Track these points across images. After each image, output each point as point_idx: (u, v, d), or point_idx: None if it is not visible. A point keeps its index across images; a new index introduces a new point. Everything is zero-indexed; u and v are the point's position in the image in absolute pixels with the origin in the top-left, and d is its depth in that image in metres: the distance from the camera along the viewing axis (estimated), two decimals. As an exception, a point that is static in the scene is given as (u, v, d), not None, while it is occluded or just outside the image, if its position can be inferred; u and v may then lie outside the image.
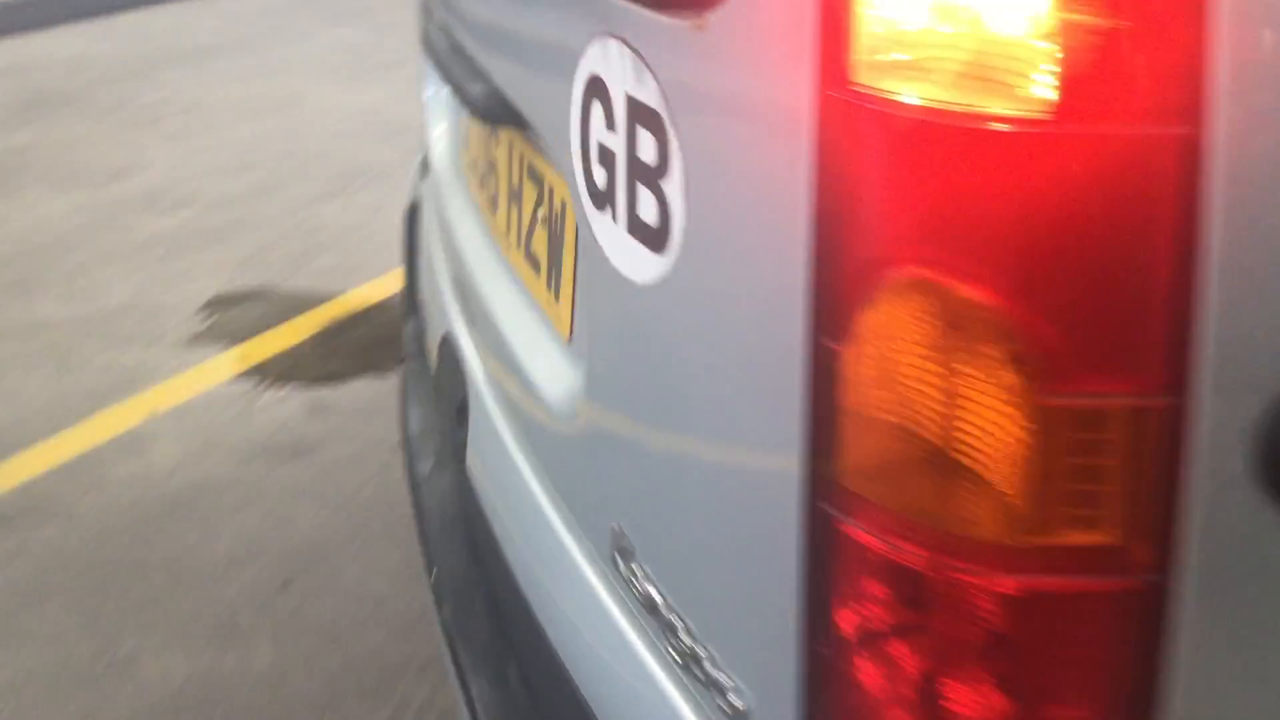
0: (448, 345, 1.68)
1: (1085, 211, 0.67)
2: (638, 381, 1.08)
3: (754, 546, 0.88)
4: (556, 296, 1.34)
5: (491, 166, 1.62)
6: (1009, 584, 0.73)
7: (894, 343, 0.73)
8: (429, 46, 1.80)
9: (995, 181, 0.67)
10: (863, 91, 0.71)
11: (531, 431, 1.36)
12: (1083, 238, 0.67)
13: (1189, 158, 0.65)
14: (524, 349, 1.39)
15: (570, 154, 1.12)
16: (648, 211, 0.96)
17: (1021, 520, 0.71)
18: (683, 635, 0.98)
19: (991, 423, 0.70)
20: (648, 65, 0.94)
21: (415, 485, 1.76)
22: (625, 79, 0.98)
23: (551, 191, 1.36)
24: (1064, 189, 0.66)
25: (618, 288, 1.05)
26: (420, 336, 1.99)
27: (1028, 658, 0.74)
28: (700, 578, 0.98)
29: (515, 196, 1.52)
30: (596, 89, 1.05)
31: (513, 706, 1.30)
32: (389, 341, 3.53)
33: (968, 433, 0.71)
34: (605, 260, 1.07)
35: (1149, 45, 0.65)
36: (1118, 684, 0.74)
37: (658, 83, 0.93)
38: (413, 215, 2.21)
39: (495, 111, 1.44)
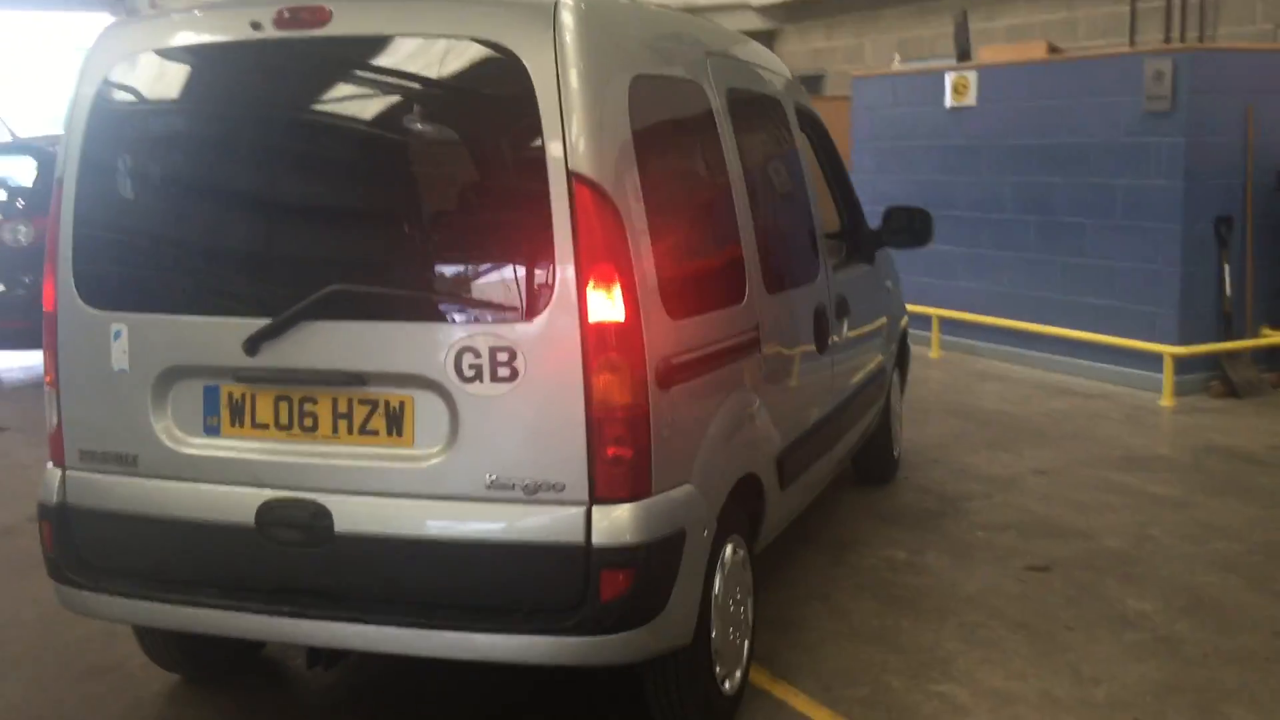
0: (275, 507, 3.55)
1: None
2: (499, 433, 3.41)
3: (568, 436, 3.35)
4: (400, 435, 3.49)
5: (307, 415, 3.57)
6: (634, 416, 3.38)
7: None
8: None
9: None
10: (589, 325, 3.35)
11: (403, 485, 3.48)
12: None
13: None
14: (375, 466, 3.51)
15: (438, 375, 3.40)
16: (503, 373, 3.35)
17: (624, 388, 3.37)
18: (527, 487, 3.38)
19: (621, 342, 3.36)
20: (504, 336, 3.36)
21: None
22: (487, 342, 3.37)
23: (386, 402, 3.50)
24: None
25: (479, 402, 3.39)
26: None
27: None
28: (536, 461, 3.38)
29: (344, 416, 3.54)
30: (466, 348, 3.38)
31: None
32: None
33: (617, 362, 3.36)
34: (469, 396, 3.40)
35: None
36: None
37: (510, 340, 3.36)
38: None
39: (351, 380, 3.49)
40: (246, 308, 3.57)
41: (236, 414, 3.62)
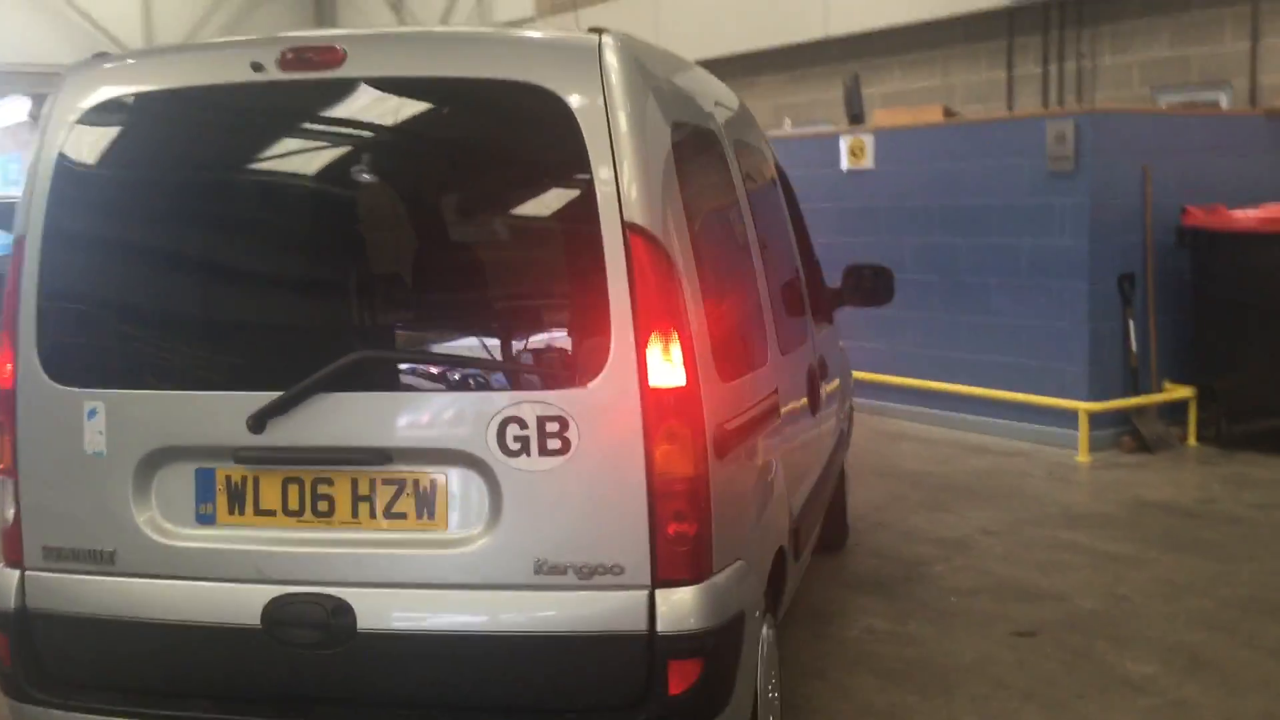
0: (285, 603, 3.12)
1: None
2: (548, 511, 3.04)
3: (628, 513, 3.03)
4: (432, 517, 3.10)
5: (322, 499, 3.15)
6: (696, 488, 3.05)
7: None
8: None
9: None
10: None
11: (437, 574, 3.10)
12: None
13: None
14: (404, 554, 3.11)
15: (478, 450, 3.03)
16: (553, 446, 2.98)
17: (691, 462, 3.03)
18: (581, 570, 3.03)
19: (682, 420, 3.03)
20: (554, 404, 3.00)
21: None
22: (535, 411, 3.00)
23: (415, 481, 3.11)
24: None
25: (525, 478, 3.03)
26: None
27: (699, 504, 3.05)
28: (591, 541, 3.04)
29: (365, 499, 3.13)
30: (510, 418, 3.00)
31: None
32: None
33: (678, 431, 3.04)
34: (514, 471, 3.03)
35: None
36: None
37: (562, 408, 2.99)
38: None
39: (374, 458, 3.10)
40: (248, 380, 3.17)
41: (236, 500, 3.20)
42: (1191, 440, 8.99)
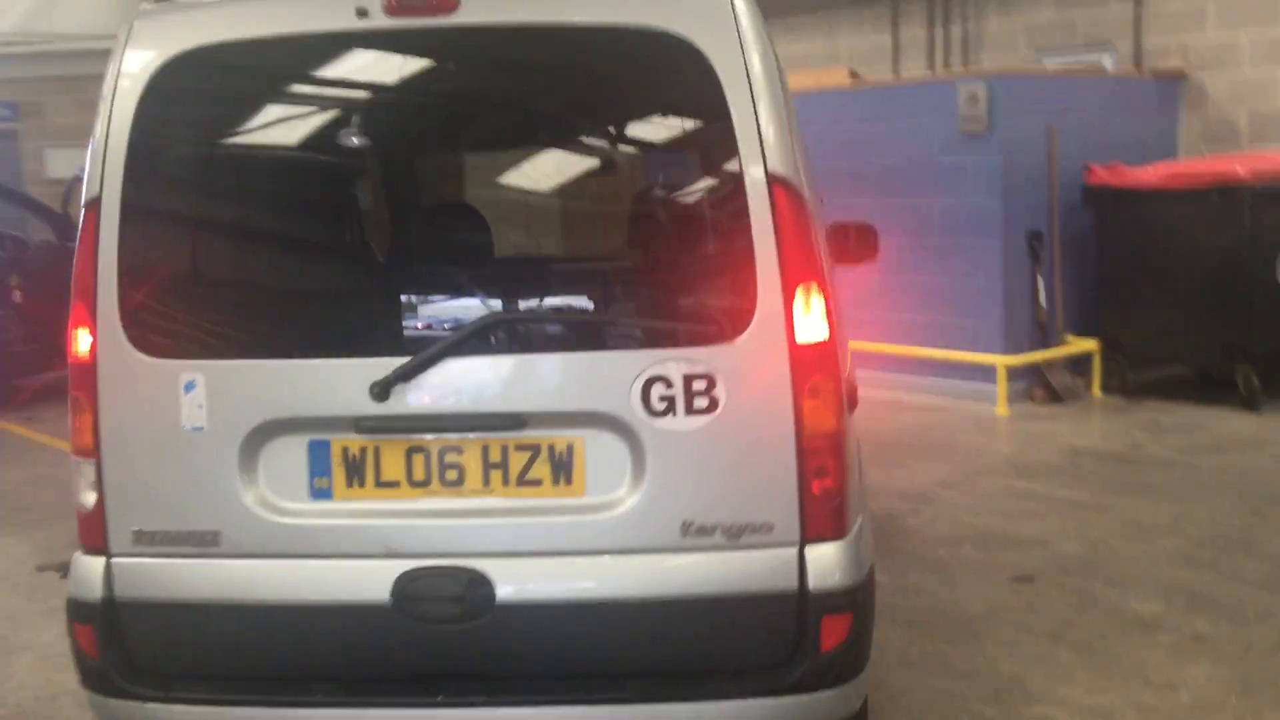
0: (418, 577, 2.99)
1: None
2: (695, 471, 2.98)
3: (777, 470, 2.99)
4: (569, 482, 2.99)
5: (450, 467, 3.02)
6: (837, 443, 3.05)
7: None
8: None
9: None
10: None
11: (578, 541, 3.00)
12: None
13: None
14: (541, 521, 3.00)
15: (621, 411, 2.93)
16: (700, 404, 2.90)
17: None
18: (730, 530, 2.98)
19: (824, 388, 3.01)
20: (701, 361, 2.91)
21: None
22: (681, 370, 2.91)
23: (551, 446, 2.99)
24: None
25: (670, 438, 2.94)
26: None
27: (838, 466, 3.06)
28: (740, 500, 2.98)
29: (497, 466, 3.01)
30: (655, 378, 2.91)
31: None
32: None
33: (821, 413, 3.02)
34: (659, 432, 2.94)
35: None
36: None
37: (709, 366, 2.90)
38: None
39: (508, 423, 2.97)
40: (366, 347, 2.99)
41: (354, 472, 3.03)
42: (1096, 390, 9.36)
